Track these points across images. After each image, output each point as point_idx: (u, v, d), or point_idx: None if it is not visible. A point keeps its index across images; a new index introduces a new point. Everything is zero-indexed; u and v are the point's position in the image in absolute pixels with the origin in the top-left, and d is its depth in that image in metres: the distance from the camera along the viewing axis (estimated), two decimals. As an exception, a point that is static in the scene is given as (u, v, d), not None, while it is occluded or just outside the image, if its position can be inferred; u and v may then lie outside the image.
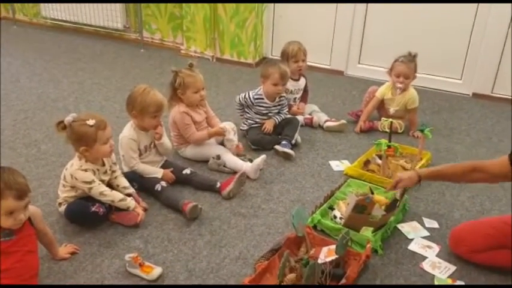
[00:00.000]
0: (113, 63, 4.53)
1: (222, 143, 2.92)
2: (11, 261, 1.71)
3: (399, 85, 3.19)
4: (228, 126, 2.85)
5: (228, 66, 4.54)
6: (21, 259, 1.73)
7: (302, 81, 3.40)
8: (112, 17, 4.94)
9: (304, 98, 3.47)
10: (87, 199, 2.21)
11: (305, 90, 3.46)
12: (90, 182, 2.16)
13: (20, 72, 4.17)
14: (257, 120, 3.08)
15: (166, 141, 2.61)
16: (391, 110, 3.29)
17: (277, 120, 3.09)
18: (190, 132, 2.77)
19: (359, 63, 4.40)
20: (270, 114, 3.10)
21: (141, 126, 2.49)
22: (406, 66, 3.16)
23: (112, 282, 1.92)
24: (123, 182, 2.35)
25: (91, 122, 2.11)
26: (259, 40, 4.50)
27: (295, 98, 3.38)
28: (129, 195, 2.30)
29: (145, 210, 2.33)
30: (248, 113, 3.10)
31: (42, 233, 1.91)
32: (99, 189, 2.18)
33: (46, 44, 4.95)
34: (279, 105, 3.11)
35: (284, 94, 3.14)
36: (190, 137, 2.79)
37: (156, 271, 1.94)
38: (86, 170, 2.17)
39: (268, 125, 3.04)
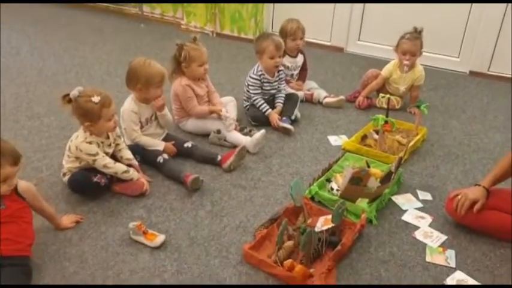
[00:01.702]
0: (113, 37, 4.54)
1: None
2: (7, 230, 1.76)
3: (406, 62, 3.22)
4: (224, 111, 2.85)
5: (228, 42, 4.55)
6: (16, 229, 1.79)
7: (300, 58, 3.42)
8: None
9: (302, 76, 3.49)
10: (90, 170, 2.27)
11: (304, 69, 3.48)
12: (94, 155, 2.22)
13: (20, 46, 4.18)
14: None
15: (168, 113, 2.66)
16: (401, 89, 3.32)
17: (280, 106, 3.09)
18: (192, 105, 2.82)
19: (359, 40, 4.42)
20: (272, 91, 3.13)
21: (142, 99, 2.53)
22: (412, 44, 3.18)
23: (116, 249, 1.99)
24: (127, 154, 2.41)
25: (96, 99, 2.14)
26: (260, 15, 4.50)
27: (292, 74, 3.42)
28: (130, 165, 2.35)
29: (149, 182, 2.39)
30: (250, 91, 3.10)
31: (39, 209, 1.96)
32: (103, 161, 2.24)
33: (46, 18, 4.94)
34: (279, 79, 3.14)
35: (282, 68, 3.17)
36: (192, 110, 2.84)
37: (160, 238, 2.01)
38: (90, 143, 2.22)
39: (275, 119, 2.99)
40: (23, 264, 1.80)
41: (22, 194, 1.85)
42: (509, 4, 3.73)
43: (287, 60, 3.28)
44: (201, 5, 4.55)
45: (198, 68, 2.78)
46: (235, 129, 2.87)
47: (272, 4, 4.56)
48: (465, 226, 2.15)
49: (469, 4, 3.89)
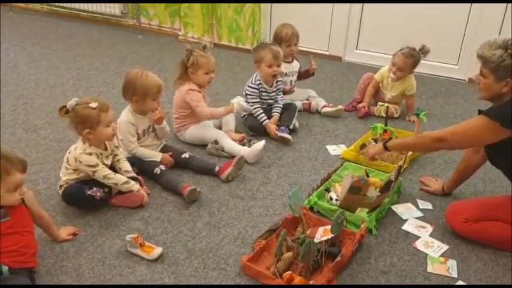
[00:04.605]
0: (111, 49, 4.54)
1: (220, 127, 2.96)
2: (11, 242, 1.74)
3: (391, 74, 3.26)
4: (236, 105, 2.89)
5: (225, 52, 4.55)
6: (20, 240, 1.77)
7: (296, 64, 3.41)
8: (109, 3, 4.93)
9: (301, 75, 3.48)
10: (86, 182, 2.25)
11: (300, 72, 3.47)
12: (94, 166, 2.20)
13: (17, 59, 4.18)
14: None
15: (166, 125, 2.64)
16: (388, 96, 3.33)
17: (277, 115, 3.08)
18: (202, 108, 2.78)
19: (357, 49, 4.43)
20: (270, 100, 3.12)
21: (139, 110, 2.52)
22: (403, 59, 3.20)
23: (113, 262, 1.97)
24: (126, 165, 2.39)
25: (94, 104, 2.14)
26: (257, 26, 4.51)
27: (291, 81, 3.41)
28: (134, 178, 2.34)
29: (147, 194, 2.37)
30: (248, 100, 3.08)
31: (37, 215, 1.93)
32: (103, 172, 2.22)
33: (43, 30, 4.95)
34: (277, 89, 3.14)
35: (280, 78, 3.17)
36: (204, 112, 2.81)
37: (157, 251, 1.99)
38: (90, 154, 2.20)
39: (273, 129, 2.99)
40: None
41: (26, 200, 1.84)
42: (508, 11, 3.73)
43: (284, 67, 3.27)
44: (199, 16, 4.56)
45: (204, 75, 2.79)
46: (241, 140, 2.86)
47: (269, 14, 4.57)
48: (466, 238, 2.13)
49: (467, 11, 3.90)
